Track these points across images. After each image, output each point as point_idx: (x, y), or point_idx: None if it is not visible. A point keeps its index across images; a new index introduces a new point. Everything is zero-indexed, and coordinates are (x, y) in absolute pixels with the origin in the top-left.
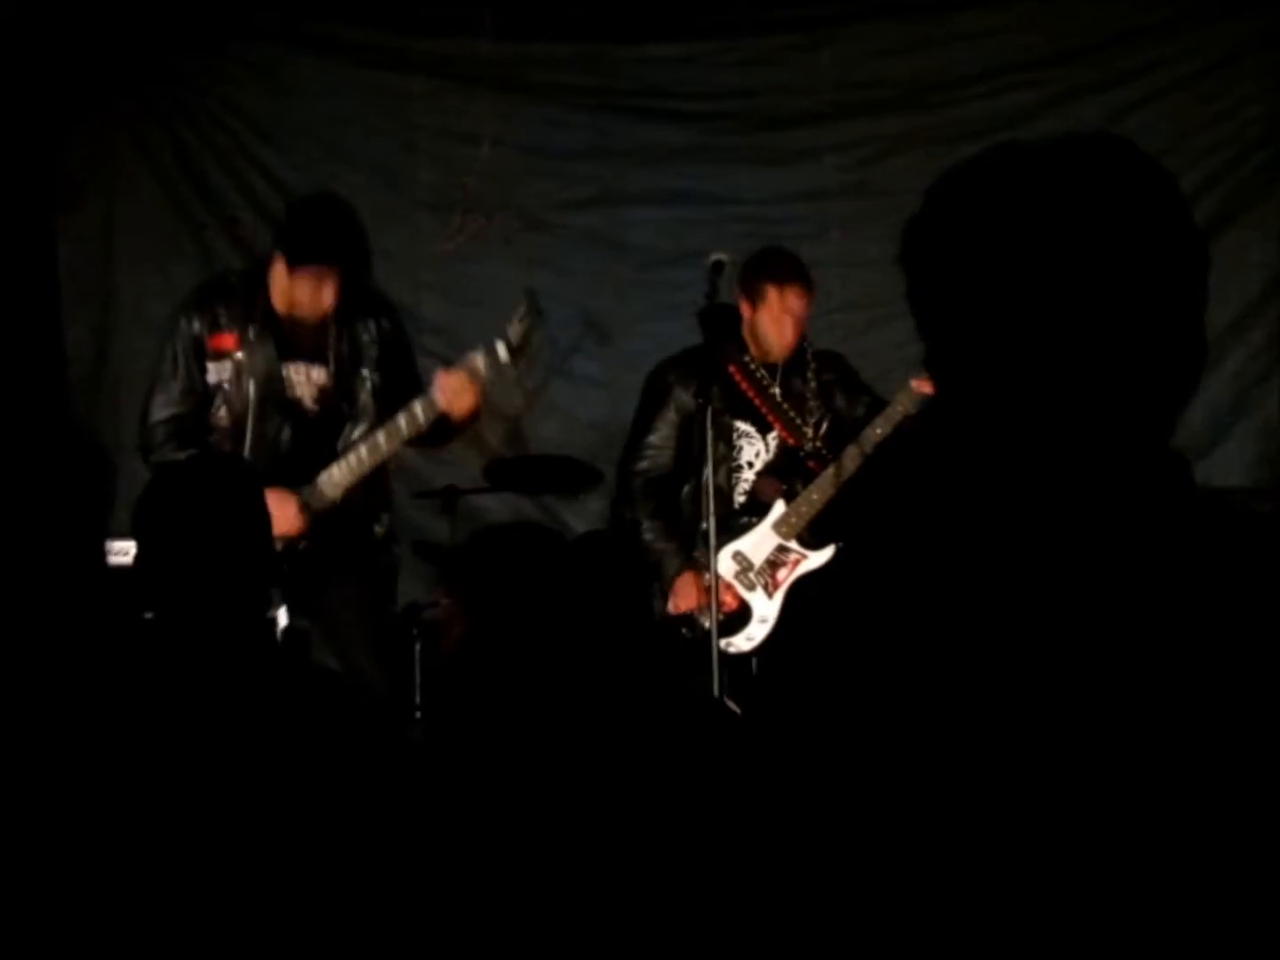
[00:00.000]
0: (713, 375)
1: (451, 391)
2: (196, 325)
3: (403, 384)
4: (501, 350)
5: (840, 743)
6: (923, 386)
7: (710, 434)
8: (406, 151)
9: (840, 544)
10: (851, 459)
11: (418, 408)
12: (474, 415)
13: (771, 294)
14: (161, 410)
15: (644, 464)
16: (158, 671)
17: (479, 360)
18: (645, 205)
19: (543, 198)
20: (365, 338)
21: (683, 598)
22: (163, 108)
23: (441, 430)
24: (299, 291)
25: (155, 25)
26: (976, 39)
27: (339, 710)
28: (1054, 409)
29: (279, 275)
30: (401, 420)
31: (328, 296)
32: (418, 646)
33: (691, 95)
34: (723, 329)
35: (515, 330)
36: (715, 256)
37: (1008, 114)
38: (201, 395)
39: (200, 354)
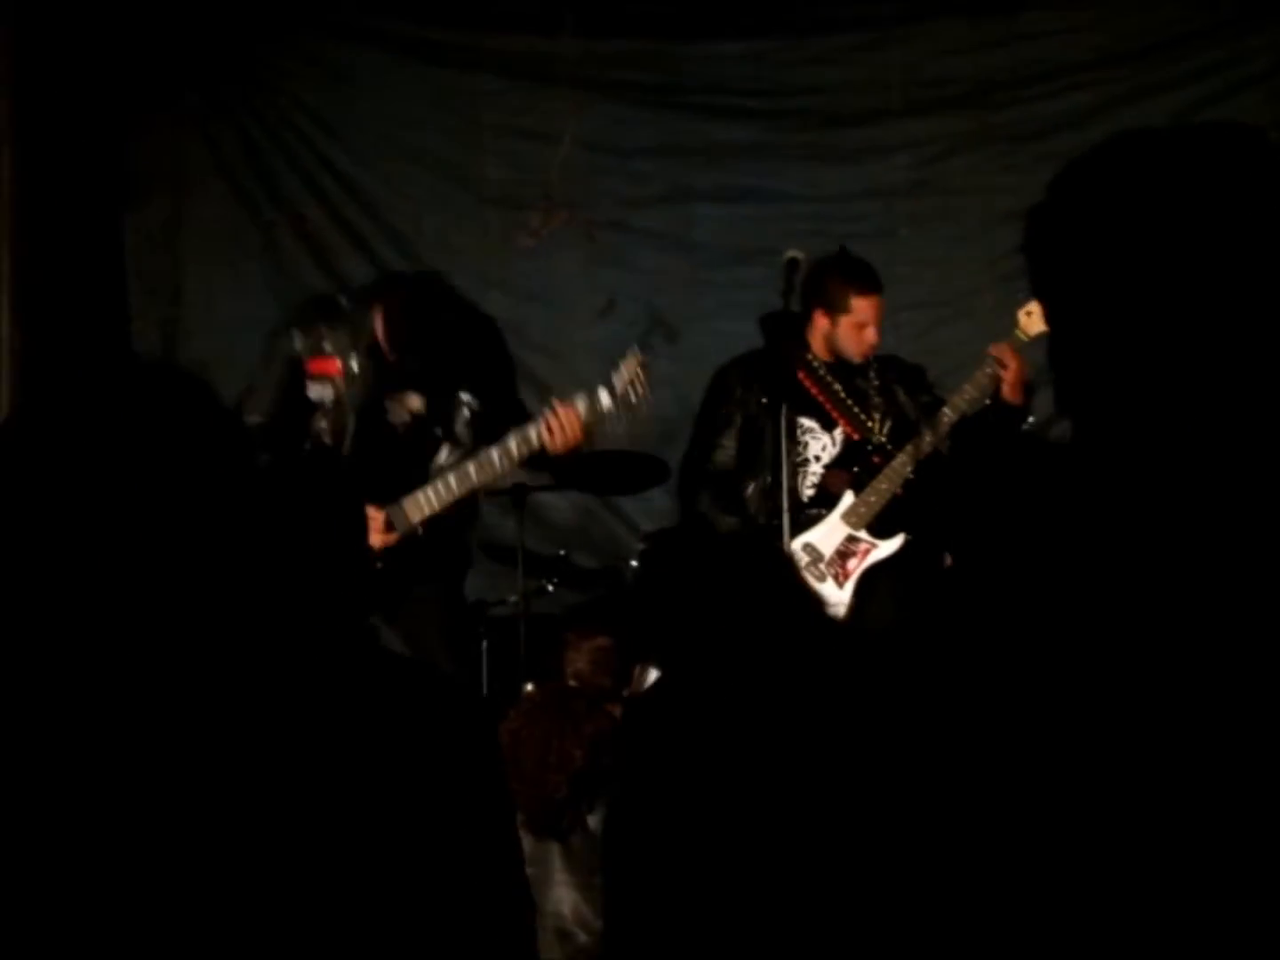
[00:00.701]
0: (780, 378)
1: (554, 429)
2: (299, 344)
3: (503, 409)
4: (604, 398)
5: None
6: (988, 372)
7: (778, 434)
8: (474, 148)
9: (910, 534)
10: (921, 446)
11: (513, 443)
12: (575, 452)
13: (857, 304)
14: (252, 418)
15: (708, 463)
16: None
17: (580, 404)
18: (712, 203)
19: (611, 195)
20: (465, 363)
21: None
22: (231, 104)
23: (541, 462)
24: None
25: (225, 20)
26: (1042, 38)
27: (423, 696)
28: (1180, 398)
29: (381, 323)
30: (495, 454)
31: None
32: (485, 644)
33: (759, 93)
34: (785, 330)
35: (620, 377)
36: (790, 254)
37: (1073, 113)
38: (293, 410)
39: (298, 373)
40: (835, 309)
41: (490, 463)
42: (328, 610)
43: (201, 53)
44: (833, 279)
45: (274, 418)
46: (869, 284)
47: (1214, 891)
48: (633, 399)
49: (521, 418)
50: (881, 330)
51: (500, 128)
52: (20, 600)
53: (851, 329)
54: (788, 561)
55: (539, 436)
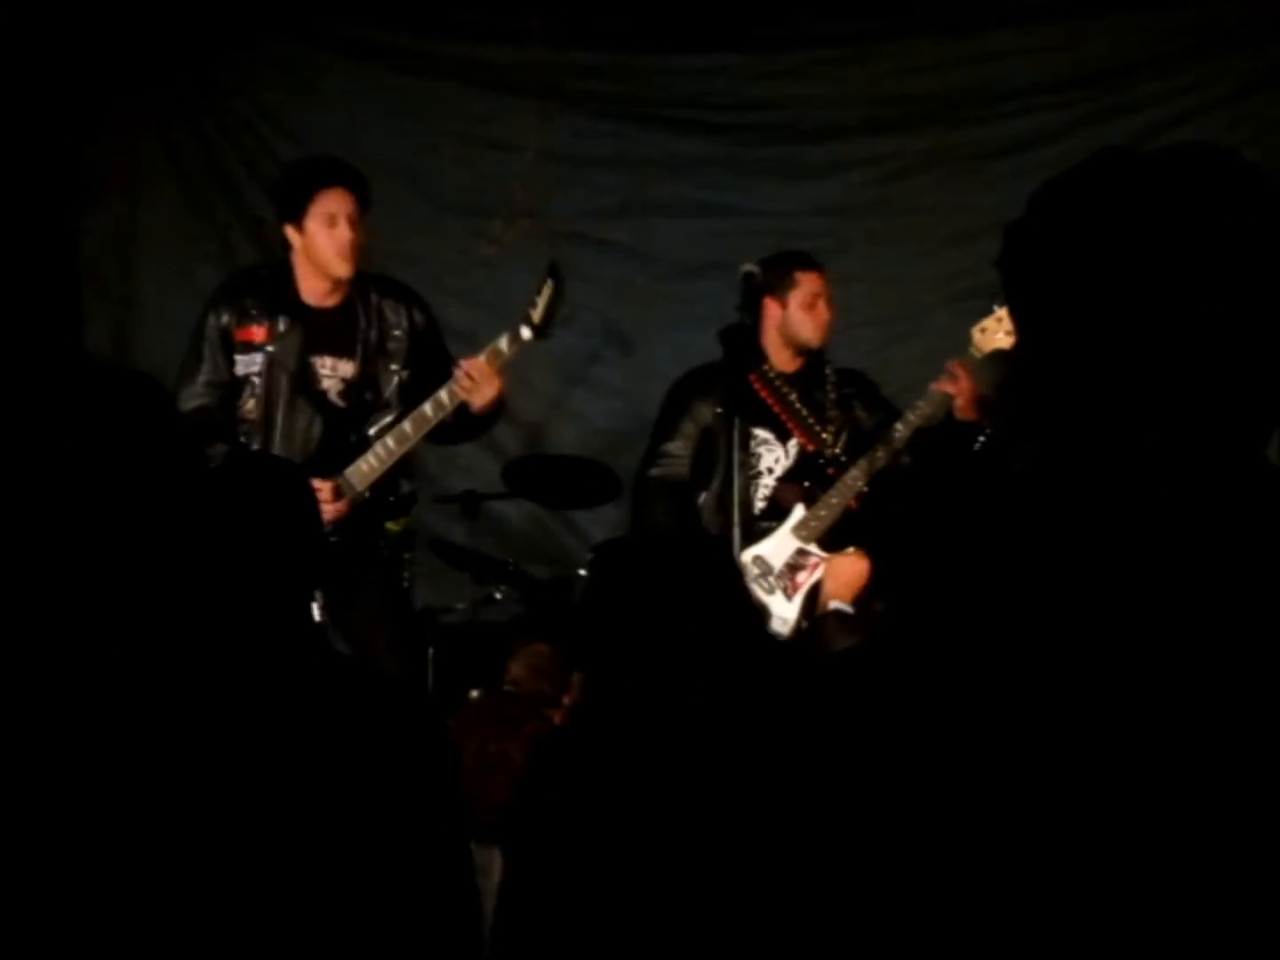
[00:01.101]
0: (735, 389)
1: (471, 379)
2: (225, 317)
3: (433, 379)
4: (525, 331)
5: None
6: (943, 388)
7: (731, 445)
8: (433, 156)
9: (859, 546)
10: (873, 461)
11: (444, 395)
12: (498, 403)
13: (802, 278)
14: (188, 402)
15: (659, 470)
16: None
17: (503, 342)
18: (670, 215)
19: (570, 206)
20: (396, 331)
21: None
22: (188, 106)
23: (466, 421)
24: (317, 243)
25: (183, 23)
26: (1006, 58)
27: (374, 700)
28: (1155, 419)
29: (299, 257)
30: (428, 407)
31: (344, 233)
32: (431, 650)
33: (719, 107)
34: (741, 342)
35: (539, 308)
36: (747, 267)
37: (1036, 134)
38: (228, 386)
39: (228, 346)
40: (782, 290)
41: (424, 417)
42: (275, 606)
43: (161, 55)
44: (774, 266)
45: (209, 398)
46: (810, 260)
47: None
48: (551, 324)
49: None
50: (834, 346)
51: (462, 136)
52: None
53: (803, 308)
54: (734, 571)
55: (463, 379)
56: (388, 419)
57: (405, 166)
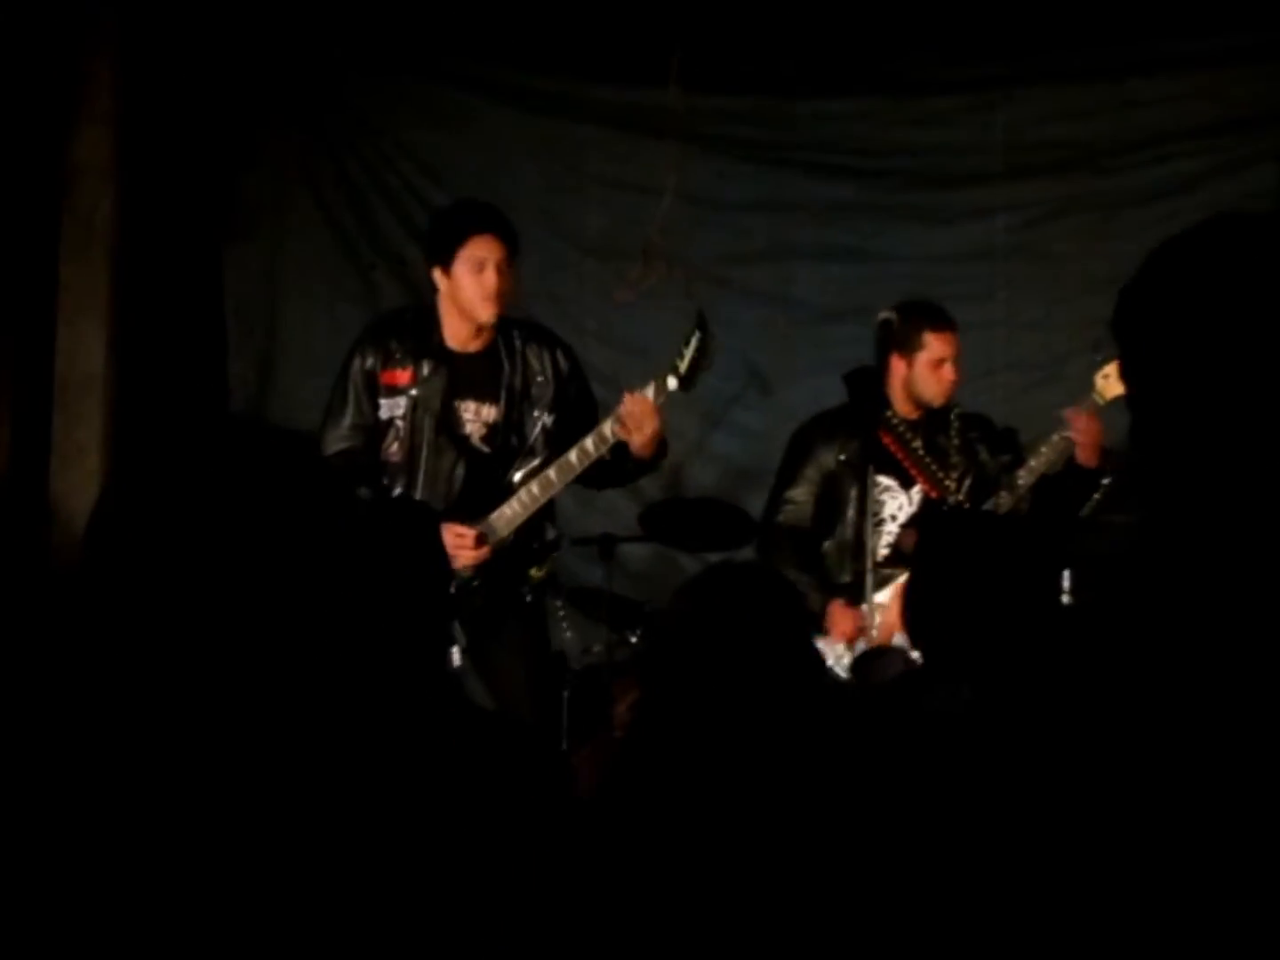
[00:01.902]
0: (861, 435)
1: (632, 417)
2: (370, 360)
3: (578, 424)
4: (671, 381)
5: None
6: (1066, 436)
7: (856, 491)
8: (576, 197)
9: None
10: (996, 507)
11: (589, 442)
12: (656, 444)
13: (930, 340)
14: (333, 445)
15: (783, 517)
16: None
17: (649, 391)
18: (812, 260)
19: (711, 249)
20: (540, 377)
21: (838, 625)
22: (333, 144)
23: (623, 464)
24: (464, 288)
25: (330, 60)
26: (1148, 105)
27: (500, 748)
28: (1260, 484)
29: (445, 301)
30: (573, 455)
31: (490, 279)
32: (566, 693)
33: (862, 151)
34: (868, 387)
35: (686, 359)
36: (884, 314)
37: (1177, 181)
38: (372, 429)
39: (372, 389)
40: (909, 349)
41: (569, 464)
42: (409, 662)
43: (305, 91)
44: (903, 321)
45: (354, 440)
46: (941, 320)
47: None
48: (698, 375)
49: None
50: (972, 391)
51: (602, 178)
52: (123, 656)
53: (928, 368)
54: (799, 612)
55: (613, 431)
56: (532, 464)
57: (547, 208)
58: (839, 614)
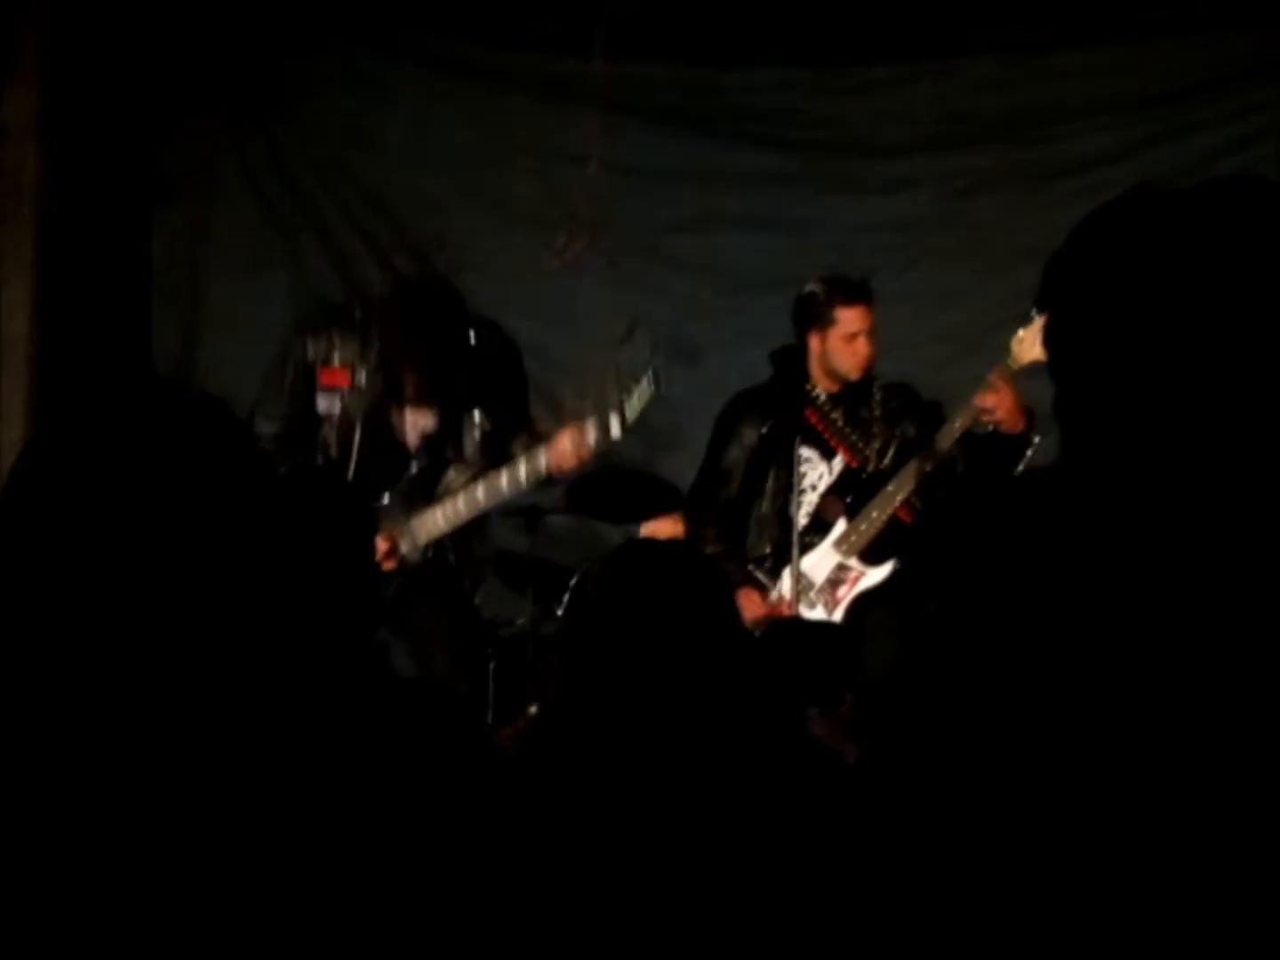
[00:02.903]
0: (782, 410)
1: (563, 455)
2: (310, 351)
3: (513, 427)
4: (615, 429)
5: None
6: (982, 402)
7: (778, 464)
8: (504, 167)
9: (901, 561)
10: (915, 473)
11: (521, 472)
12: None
13: (842, 315)
14: (265, 426)
15: (709, 491)
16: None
17: (591, 432)
18: (737, 230)
19: (637, 219)
20: (479, 381)
21: (746, 610)
22: (261, 111)
23: (547, 482)
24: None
25: (256, 27)
26: (1073, 79)
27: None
28: (1192, 456)
29: (394, 335)
30: (504, 480)
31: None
32: (492, 665)
33: (788, 122)
34: (790, 363)
35: (633, 406)
36: (808, 288)
37: (1102, 153)
38: (305, 419)
39: (310, 382)
40: (823, 324)
41: (498, 488)
42: (336, 628)
43: (231, 59)
44: (816, 296)
45: (287, 426)
46: (854, 294)
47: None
48: (639, 420)
49: (530, 433)
50: (896, 362)
51: (531, 147)
52: (34, 617)
53: (841, 342)
54: (725, 593)
55: (546, 462)
56: (466, 473)
57: (475, 177)
58: (745, 600)
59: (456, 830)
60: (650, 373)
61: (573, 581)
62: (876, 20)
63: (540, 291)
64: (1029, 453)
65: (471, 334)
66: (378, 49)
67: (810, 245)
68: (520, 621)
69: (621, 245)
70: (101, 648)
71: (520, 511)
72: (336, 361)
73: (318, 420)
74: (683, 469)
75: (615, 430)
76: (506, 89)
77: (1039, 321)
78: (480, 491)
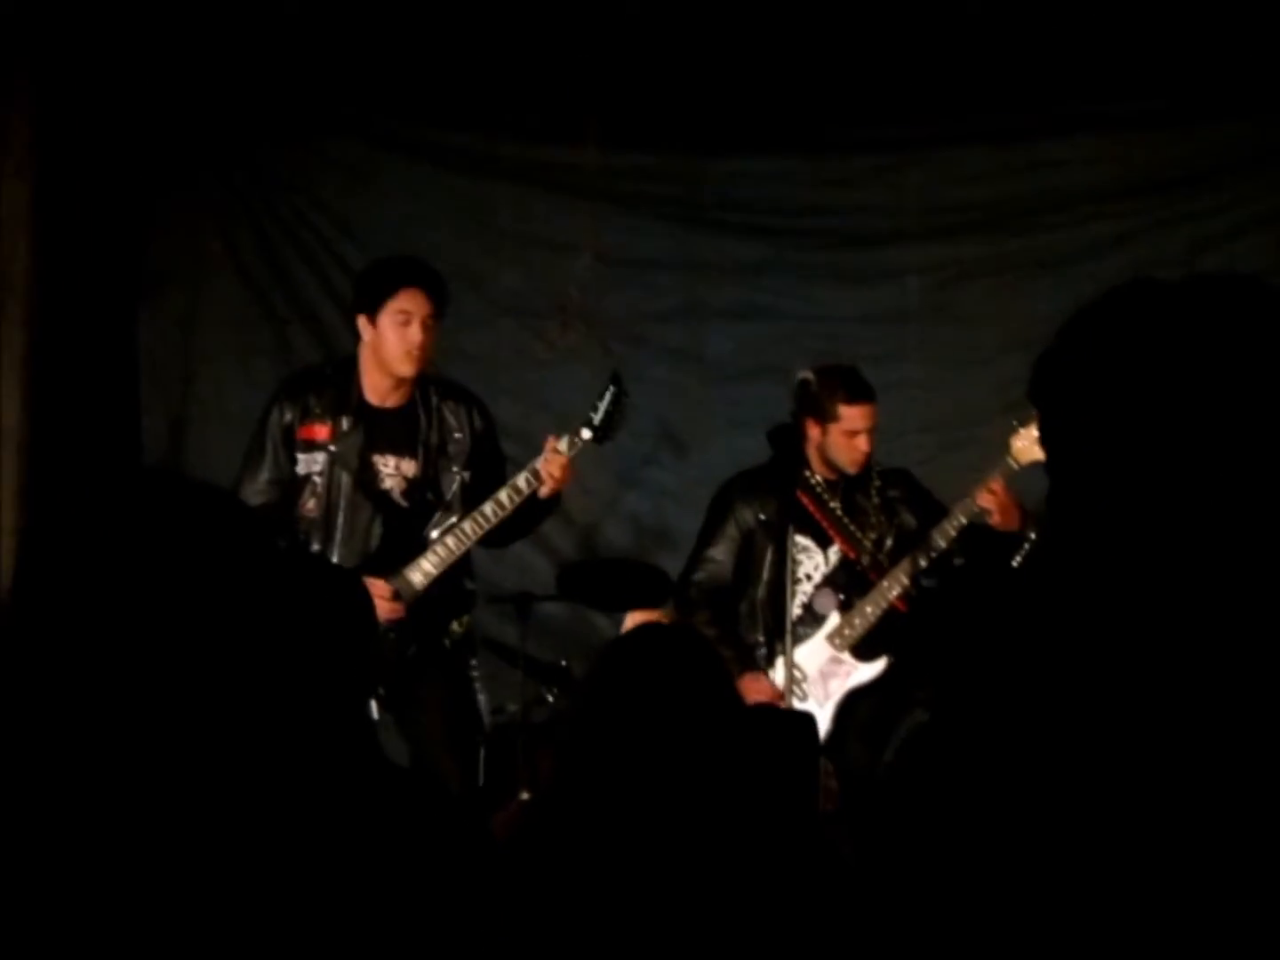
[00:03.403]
0: (779, 495)
1: (549, 470)
2: (288, 415)
3: (490, 481)
4: (585, 433)
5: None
6: (981, 503)
7: (773, 550)
8: (490, 256)
9: (892, 659)
10: (910, 569)
11: (504, 495)
12: (555, 500)
13: (845, 412)
14: (250, 499)
15: (702, 575)
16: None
17: (562, 444)
18: (725, 319)
19: (626, 307)
20: (457, 434)
21: (750, 694)
22: (248, 200)
23: (523, 518)
24: (388, 341)
25: (245, 118)
26: (1061, 168)
27: (424, 808)
28: (1186, 549)
29: (367, 352)
30: (488, 508)
31: (414, 334)
32: (483, 752)
33: (776, 210)
34: (787, 447)
35: (600, 413)
36: (801, 374)
37: (1089, 243)
38: (290, 485)
39: (290, 443)
40: (825, 418)
41: (485, 517)
42: (328, 707)
43: (221, 149)
44: (821, 388)
45: (271, 494)
46: (857, 391)
47: None
48: (612, 430)
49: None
50: (886, 451)
51: (519, 236)
52: (35, 710)
53: (842, 437)
54: (719, 674)
55: (528, 483)
56: (449, 520)
57: (463, 265)
58: (750, 684)
59: (443, 920)
60: (611, 376)
61: (565, 668)
62: (862, 111)
63: (526, 378)
64: (1025, 548)
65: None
66: (365, 138)
67: (797, 334)
68: (511, 708)
69: (611, 334)
70: (101, 737)
71: (510, 599)
72: (316, 413)
73: (301, 482)
74: (670, 554)
75: (584, 433)
76: (494, 177)
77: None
78: (468, 526)
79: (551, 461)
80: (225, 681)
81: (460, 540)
